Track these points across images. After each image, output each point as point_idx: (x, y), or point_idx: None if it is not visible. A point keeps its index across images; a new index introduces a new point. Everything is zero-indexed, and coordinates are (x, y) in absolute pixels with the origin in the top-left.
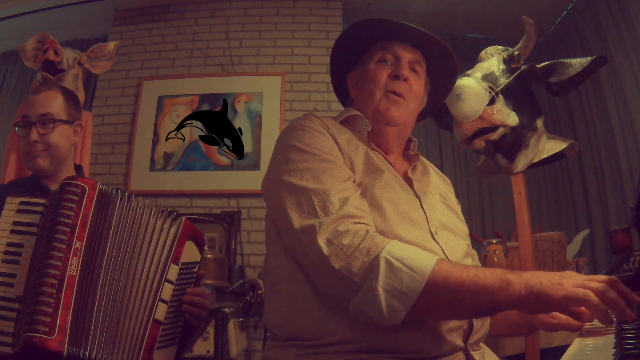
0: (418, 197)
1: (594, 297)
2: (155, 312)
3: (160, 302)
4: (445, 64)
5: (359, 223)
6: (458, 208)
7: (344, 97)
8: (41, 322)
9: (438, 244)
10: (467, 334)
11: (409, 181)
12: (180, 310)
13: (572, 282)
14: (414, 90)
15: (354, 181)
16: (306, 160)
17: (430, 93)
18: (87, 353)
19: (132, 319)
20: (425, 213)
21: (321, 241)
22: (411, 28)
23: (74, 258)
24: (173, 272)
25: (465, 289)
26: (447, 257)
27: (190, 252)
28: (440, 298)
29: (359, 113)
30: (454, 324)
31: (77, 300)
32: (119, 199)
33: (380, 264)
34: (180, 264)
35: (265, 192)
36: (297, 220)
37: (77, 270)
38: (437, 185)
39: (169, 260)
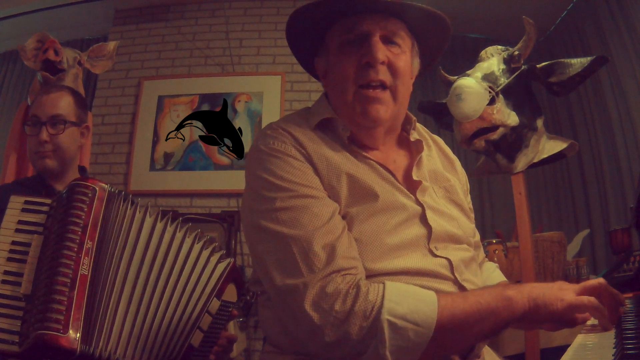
0: (421, 205)
1: (597, 303)
2: (192, 336)
3: (198, 330)
4: (435, 26)
5: (347, 275)
6: (463, 193)
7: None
8: (54, 319)
9: (440, 257)
10: (467, 352)
11: (413, 185)
12: (211, 344)
13: (572, 290)
14: (398, 69)
15: (339, 212)
16: (281, 197)
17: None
18: (107, 353)
19: (167, 334)
20: (429, 226)
21: (308, 307)
22: (371, 1)
23: (86, 257)
24: (214, 305)
25: (470, 319)
26: (451, 272)
27: (230, 292)
28: (449, 337)
29: (333, 116)
30: None
31: (89, 299)
32: (137, 207)
33: (384, 328)
34: (221, 300)
35: (242, 228)
36: (279, 277)
37: (89, 270)
38: (442, 175)
39: (213, 294)
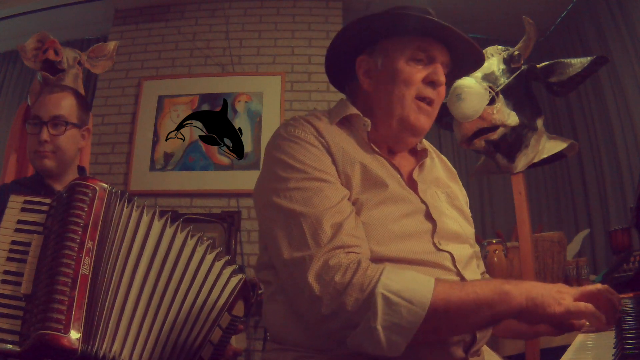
0: (425, 204)
1: (594, 310)
2: (203, 350)
3: (209, 344)
4: (470, 64)
5: (351, 252)
6: (464, 203)
7: (340, 75)
8: (55, 319)
9: (444, 251)
10: (469, 345)
11: (414, 185)
12: (219, 357)
13: (570, 295)
14: (442, 93)
15: (349, 199)
16: (296, 178)
17: None
18: (111, 355)
19: (178, 343)
20: (434, 221)
21: (311, 277)
22: (456, 32)
23: (87, 257)
24: (225, 320)
25: (466, 307)
26: (453, 265)
27: (239, 307)
28: (442, 322)
29: (356, 111)
30: (455, 337)
31: (90, 299)
32: (143, 209)
33: (378, 301)
34: (231, 314)
35: (255, 207)
36: (287, 250)
37: (89, 270)
38: (444, 182)
39: (225, 309)
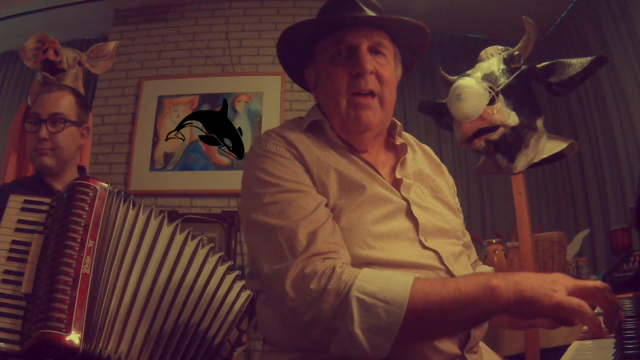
0: (407, 201)
1: (588, 309)
2: None
3: (219, 357)
4: (415, 35)
5: (327, 259)
6: (450, 194)
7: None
8: (56, 318)
9: (430, 250)
10: (464, 342)
11: (397, 183)
12: None
13: (564, 287)
14: (385, 78)
15: (326, 205)
16: (270, 192)
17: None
18: (117, 356)
19: (188, 352)
20: (416, 219)
21: (289, 287)
22: (358, 17)
23: (87, 257)
24: (234, 335)
25: (448, 306)
26: (441, 263)
27: (245, 322)
28: (424, 321)
29: (321, 117)
30: None
31: (91, 298)
32: (151, 212)
33: (352, 305)
34: (239, 329)
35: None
36: (267, 263)
37: (90, 269)
38: (427, 175)
39: (234, 324)
